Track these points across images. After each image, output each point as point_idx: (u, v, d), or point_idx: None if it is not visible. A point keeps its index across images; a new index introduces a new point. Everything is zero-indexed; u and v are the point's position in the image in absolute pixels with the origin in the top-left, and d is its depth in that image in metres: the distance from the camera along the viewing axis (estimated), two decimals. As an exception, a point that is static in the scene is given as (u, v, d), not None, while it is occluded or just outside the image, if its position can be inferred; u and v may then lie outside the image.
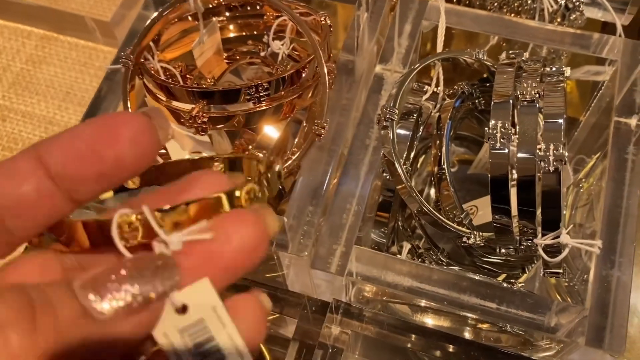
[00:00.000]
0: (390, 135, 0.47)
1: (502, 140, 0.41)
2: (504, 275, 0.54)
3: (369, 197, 0.49)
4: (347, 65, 0.56)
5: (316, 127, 0.45)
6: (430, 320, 0.51)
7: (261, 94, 0.44)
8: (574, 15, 0.60)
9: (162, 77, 0.50)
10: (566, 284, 0.55)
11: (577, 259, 0.51)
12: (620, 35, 0.56)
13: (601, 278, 0.45)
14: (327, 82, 0.46)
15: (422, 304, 0.48)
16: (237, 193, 0.22)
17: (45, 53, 0.78)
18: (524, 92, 0.43)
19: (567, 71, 0.46)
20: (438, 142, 0.51)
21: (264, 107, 0.45)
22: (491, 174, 0.42)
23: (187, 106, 0.45)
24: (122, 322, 0.19)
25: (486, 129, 0.42)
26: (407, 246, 0.52)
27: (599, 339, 0.43)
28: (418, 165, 0.58)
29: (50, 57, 0.78)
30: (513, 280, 0.50)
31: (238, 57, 0.58)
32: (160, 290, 0.20)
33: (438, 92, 0.54)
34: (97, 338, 0.19)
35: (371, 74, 0.55)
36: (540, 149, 0.40)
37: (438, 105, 0.54)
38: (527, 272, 0.53)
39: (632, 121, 0.53)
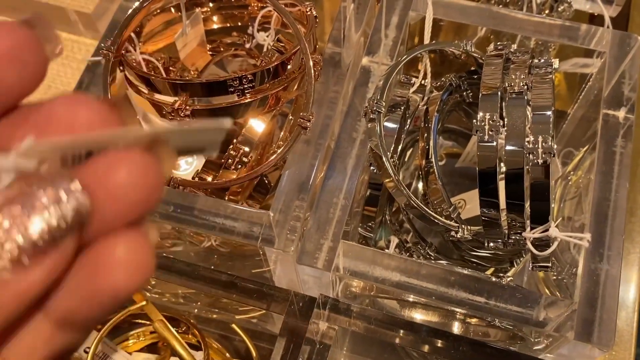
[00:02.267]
0: (378, 128, 0.46)
1: (490, 132, 0.41)
2: (492, 269, 0.53)
3: (356, 191, 0.49)
4: (333, 58, 0.55)
5: (302, 120, 0.44)
6: (418, 315, 0.51)
7: (245, 86, 0.43)
8: (562, 7, 0.59)
9: (144, 69, 0.49)
10: (554, 277, 0.55)
11: (565, 252, 0.51)
12: (608, 27, 0.56)
13: (590, 271, 0.45)
14: (313, 74, 0.45)
15: (411, 299, 0.47)
16: None
17: (26, 46, 0.77)
18: (512, 84, 0.42)
19: (556, 63, 0.45)
20: (426, 135, 0.50)
21: (249, 100, 0.44)
22: (479, 166, 0.41)
23: (169, 99, 0.44)
24: (32, 273, 0.16)
25: (474, 121, 0.41)
26: (394, 240, 0.51)
27: (588, 333, 0.42)
28: (406, 159, 0.57)
29: (31, 50, 0.76)
30: (502, 275, 0.50)
31: (222, 49, 0.57)
32: (73, 220, 0.16)
33: (425, 84, 0.53)
34: (6, 305, 0.16)
35: (358, 66, 0.54)
36: (528, 142, 0.40)
37: (426, 98, 0.53)
38: (516, 265, 0.52)
39: (620, 113, 0.53)
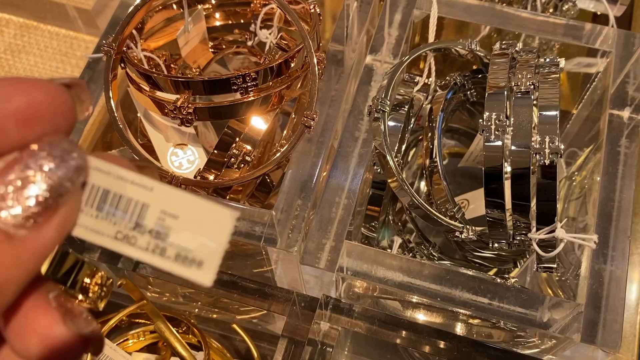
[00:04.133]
0: (382, 127, 0.46)
1: (496, 132, 0.40)
2: (494, 270, 0.53)
3: (359, 191, 0.48)
4: (336, 56, 0.54)
5: (305, 119, 0.44)
6: (421, 316, 0.50)
7: (249, 84, 0.43)
8: (566, 6, 0.59)
9: (146, 66, 0.48)
10: (557, 278, 0.54)
11: (569, 252, 0.51)
12: (612, 26, 0.55)
13: (594, 272, 0.45)
14: (317, 72, 0.45)
15: (414, 300, 0.47)
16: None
17: (25, 42, 0.76)
18: (519, 84, 0.42)
19: (562, 62, 0.45)
20: (430, 134, 0.50)
21: (252, 98, 0.44)
22: (485, 166, 0.41)
23: (171, 96, 0.43)
24: (46, 228, 0.18)
25: (480, 120, 0.41)
26: (398, 240, 0.51)
27: (594, 335, 0.42)
28: (408, 158, 0.56)
29: (30, 47, 0.76)
30: (507, 276, 0.49)
31: (224, 47, 0.56)
32: (74, 175, 0.19)
33: (429, 83, 0.53)
34: (27, 260, 0.18)
35: (361, 65, 0.54)
36: (535, 142, 0.39)
37: (430, 97, 0.52)
38: (519, 266, 0.52)
39: (625, 113, 0.52)
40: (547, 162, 0.39)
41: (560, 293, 0.53)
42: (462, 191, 0.58)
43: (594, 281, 0.44)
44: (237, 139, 0.46)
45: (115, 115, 0.45)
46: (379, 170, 0.48)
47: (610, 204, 0.48)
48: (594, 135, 0.55)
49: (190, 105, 0.43)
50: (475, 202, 0.55)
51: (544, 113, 0.41)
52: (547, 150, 0.39)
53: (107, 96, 0.45)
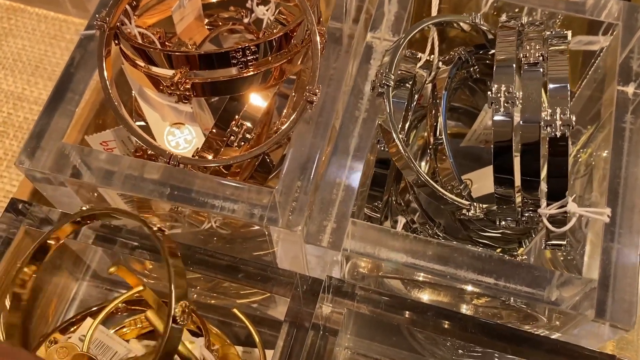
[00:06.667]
0: (386, 101, 0.44)
1: (506, 104, 0.39)
2: (499, 249, 0.52)
3: (361, 171, 0.47)
4: (334, 34, 0.53)
5: (308, 94, 0.42)
6: (426, 296, 0.49)
7: (249, 58, 0.41)
8: (569, -19, 0.58)
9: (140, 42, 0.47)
10: (562, 258, 0.54)
11: (576, 231, 0.50)
12: (616, -1, 0.54)
13: (604, 250, 0.44)
14: (319, 46, 0.43)
15: (421, 278, 0.46)
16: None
17: (12, 25, 0.74)
18: (527, 55, 0.41)
19: (569, 35, 0.44)
20: (434, 111, 0.48)
21: (251, 73, 0.42)
22: (495, 141, 0.40)
23: (167, 72, 0.42)
24: None
25: (489, 93, 0.40)
26: (402, 221, 0.50)
27: (604, 311, 0.41)
28: (409, 140, 0.55)
29: (17, 30, 0.74)
30: (515, 253, 0.48)
31: (220, 24, 0.54)
32: None
33: (432, 59, 0.52)
34: None
35: (359, 43, 0.53)
36: (546, 114, 0.38)
37: (433, 73, 0.51)
38: (524, 246, 0.51)
39: (629, 89, 0.51)
40: (558, 134, 0.38)
41: (566, 272, 0.53)
42: (464, 172, 0.57)
43: (604, 258, 0.44)
44: (237, 117, 0.45)
45: (110, 92, 0.43)
46: (382, 147, 0.47)
47: (617, 181, 0.47)
48: (596, 114, 0.54)
49: (187, 80, 0.41)
50: (479, 182, 0.54)
51: (554, 85, 0.39)
52: (558, 122, 0.38)
53: (101, 73, 0.43)
